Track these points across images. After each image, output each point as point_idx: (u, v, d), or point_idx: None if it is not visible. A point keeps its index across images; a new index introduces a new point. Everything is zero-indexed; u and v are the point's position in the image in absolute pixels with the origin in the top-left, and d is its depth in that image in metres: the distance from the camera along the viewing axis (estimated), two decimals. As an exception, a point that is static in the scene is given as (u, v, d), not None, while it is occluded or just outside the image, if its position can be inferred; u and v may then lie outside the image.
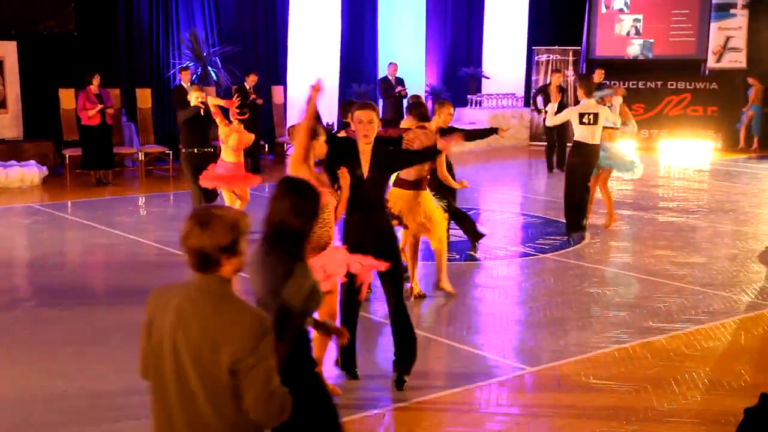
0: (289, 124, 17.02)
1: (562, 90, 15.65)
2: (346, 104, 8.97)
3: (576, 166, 10.41)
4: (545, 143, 16.33)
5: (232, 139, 9.86)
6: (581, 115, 10.17)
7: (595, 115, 10.13)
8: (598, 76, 16.71)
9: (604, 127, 10.67)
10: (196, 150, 10.24)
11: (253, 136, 10.32)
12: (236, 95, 10.16)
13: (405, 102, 15.34)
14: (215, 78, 16.24)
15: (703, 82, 20.12)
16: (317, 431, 3.59)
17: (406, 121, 8.00)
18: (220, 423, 2.77)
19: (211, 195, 10.23)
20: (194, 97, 10.38)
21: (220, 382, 2.73)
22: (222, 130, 9.81)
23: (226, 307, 2.76)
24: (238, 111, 10.10)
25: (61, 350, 6.42)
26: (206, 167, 10.02)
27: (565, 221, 10.62)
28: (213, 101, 9.93)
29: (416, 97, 10.93)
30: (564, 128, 15.60)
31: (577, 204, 10.41)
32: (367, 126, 5.51)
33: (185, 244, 2.77)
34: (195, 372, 2.75)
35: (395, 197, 7.43)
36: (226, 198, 10.05)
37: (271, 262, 3.45)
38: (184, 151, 10.39)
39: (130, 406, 5.46)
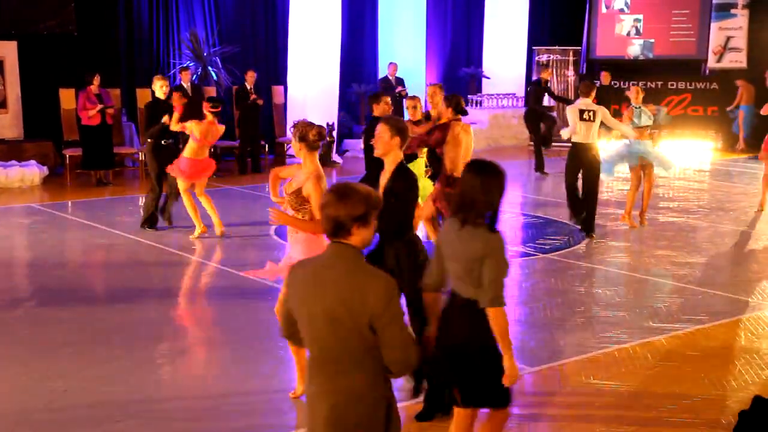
0: (289, 124, 17.02)
1: (546, 86, 15.74)
2: (373, 96, 8.96)
3: (574, 167, 10.42)
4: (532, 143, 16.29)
5: (209, 135, 9.97)
6: (581, 112, 10.18)
7: (594, 113, 10.14)
8: (605, 79, 16.74)
9: (638, 127, 10.70)
10: (163, 142, 10.35)
11: (223, 128, 10.36)
12: (177, 95, 10.29)
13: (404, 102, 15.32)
14: (215, 78, 16.24)
15: (703, 82, 20.12)
16: (491, 397, 4.14)
17: (445, 113, 8.02)
18: (360, 376, 3.13)
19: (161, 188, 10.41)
20: (158, 86, 10.49)
21: (357, 338, 3.08)
22: (197, 129, 9.86)
23: (358, 272, 3.11)
24: (210, 105, 10.11)
25: (61, 350, 6.43)
26: (169, 161, 10.16)
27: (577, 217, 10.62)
28: (177, 126, 10.04)
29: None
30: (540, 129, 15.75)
31: (590, 203, 10.41)
32: (376, 139, 5.24)
33: (323, 212, 3.14)
34: (333, 331, 3.10)
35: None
36: (182, 190, 10.09)
37: (467, 237, 3.89)
38: (150, 141, 10.46)
39: (130, 405, 5.45)
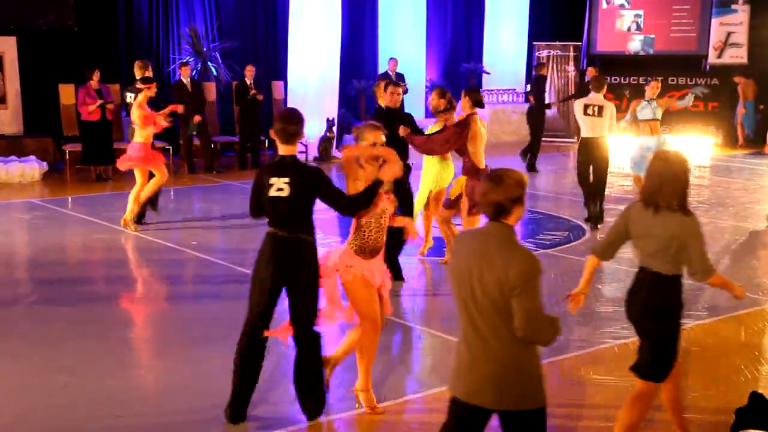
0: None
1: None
2: (386, 82, 8.95)
3: (585, 162, 10.57)
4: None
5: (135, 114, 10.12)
6: (585, 106, 10.23)
7: (600, 108, 10.19)
8: (590, 73, 16.75)
9: (646, 120, 10.71)
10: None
11: (162, 117, 10.49)
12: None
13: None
14: (215, 73, 16.22)
15: (704, 77, 20.10)
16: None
17: (463, 105, 7.99)
18: (511, 342, 3.53)
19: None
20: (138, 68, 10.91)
21: (502, 304, 3.50)
22: (136, 114, 10.08)
23: (508, 247, 3.55)
24: (147, 87, 10.26)
25: (61, 345, 6.42)
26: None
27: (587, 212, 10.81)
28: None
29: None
30: (541, 125, 15.69)
31: (598, 196, 10.63)
32: None
33: (485, 198, 3.58)
34: (484, 297, 3.53)
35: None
36: (138, 177, 10.16)
37: (663, 220, 4.36)
38: None
39: (131, 401, 5.45)
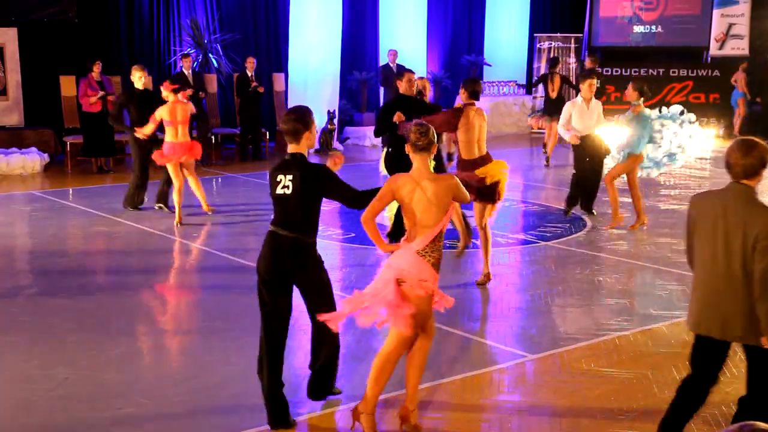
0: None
1: (563, 80, 15.64)
2: (396, 73, 8.99)
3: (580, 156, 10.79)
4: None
5: (179, 114, 10.01)
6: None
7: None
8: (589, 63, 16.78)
9: None
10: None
11: (191, 105, 10.51)
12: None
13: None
14: (216, 65, 16.21)
15: (705, 69, 20.08)
16: None
17: (462, 96, 7.98)
18: (745, 292, 4.12)
19: (146, 175, 10.74)
20: (137, 77, 10.71)
21: (744, 254, 4.09)
22: (164, 113, 9.98)
23: (753, 203, 4.16)
24: (170, 82, 10.27)
25: (62, 337, 6.43)
26: (151, 148, 10.40)
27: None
28: (148, 130, 10.26)
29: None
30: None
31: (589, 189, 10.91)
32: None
33: (739, 160, 4.15)
34: (728, 246, 4.14)
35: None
36: (172, 173, 10.18)
37: None
38: (132, 129, 10.65)
39: (132, 393, 5.46)
